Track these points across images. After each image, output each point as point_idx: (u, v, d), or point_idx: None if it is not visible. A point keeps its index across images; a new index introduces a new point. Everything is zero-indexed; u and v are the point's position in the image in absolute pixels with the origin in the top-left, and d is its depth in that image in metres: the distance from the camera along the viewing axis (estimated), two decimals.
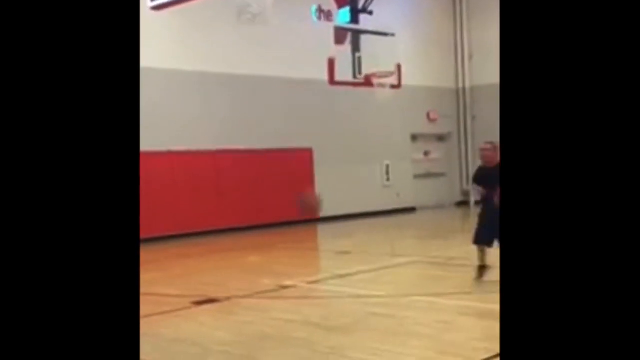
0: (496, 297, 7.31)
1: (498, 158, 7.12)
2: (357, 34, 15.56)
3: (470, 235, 7.44)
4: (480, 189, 7.37)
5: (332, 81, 14.82)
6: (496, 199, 6.84)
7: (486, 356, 4.66)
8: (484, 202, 7.44)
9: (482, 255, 7.29)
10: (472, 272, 7.47)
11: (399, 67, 15.59)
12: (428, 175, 19.63)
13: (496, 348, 4.83)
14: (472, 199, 7.18)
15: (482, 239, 7.25)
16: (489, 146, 7.33)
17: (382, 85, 16.08)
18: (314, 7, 16.57)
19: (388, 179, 18.31)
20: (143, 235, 4.11)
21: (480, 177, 7.42)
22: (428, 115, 19.42)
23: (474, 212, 19.07)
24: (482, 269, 7.29)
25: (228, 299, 7.16)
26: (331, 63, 14.77)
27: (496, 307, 6.57)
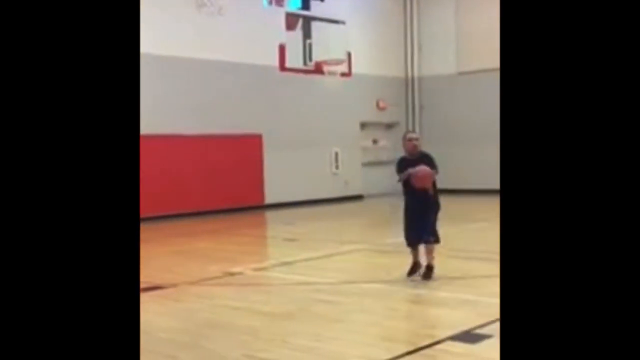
0: (441, 284, 7.47)
1: (420, 147, 7.04)
2: (308, 20, 15.53)
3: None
4: (404, 175, 6.82)
5: (282, 67, 14.78)
6: (425, 170, 6.72)
7: (429, 342, 4.74)
8: (406, 200, 7.04)
9: (415, 252, 7.03)
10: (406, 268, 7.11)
11: (349, 55, 15.66)
12: (376, 163, 19.79)
13: (439, 334, 4.92)
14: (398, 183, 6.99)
15: (411, 241, 6.99)
16: (415, 135, 7.23)
17: (332, 73, 16.12)
18: None
19: (337, 167, 18.39)
20: None
21: (404, 167, 6.90)
22: (377, 103, 19.55)
23: None
24: (415, 266, 7.02)
25: (174, 285, 7.09)
26: (282, 49, 14.73)
27: (442, 294, 6.71)
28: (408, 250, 7.01)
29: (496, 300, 6.15)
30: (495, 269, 8.06)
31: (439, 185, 7.12)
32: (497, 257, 8.63)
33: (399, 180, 6.95)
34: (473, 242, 8.49)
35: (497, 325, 5.09)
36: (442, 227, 7.41)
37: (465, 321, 5.32)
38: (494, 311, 5.56)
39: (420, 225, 6.83)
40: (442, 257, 8.28)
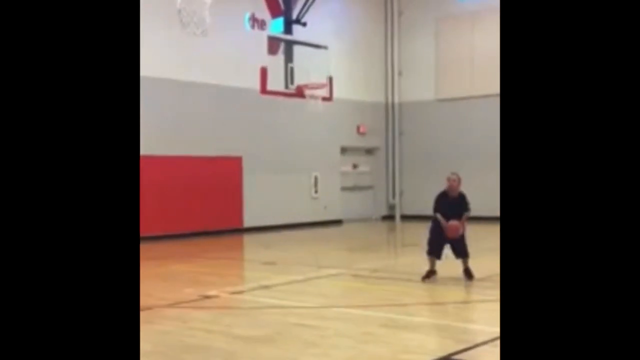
0: (418, 309, 7.45)
1: (460, 188, 8.35)
2: (290, 44, 15.61)
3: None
4: (440, 217, 8.16)
5: (263, 90, 14.80)
6: (460, 225, 8.12)
7: None
8: (433, 225, 8.35)
9: (432, 262, 8.34)
10: (422, 273, 8.36)
11: (330, 79, 15.73)
12: (355, 188, 19.82)
13: (417, 359, 4.90)
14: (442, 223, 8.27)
15: (433, 252, 8.31)
16: (455, 177, 8.39)
17: (313, 97, 16.17)
18: (247, 15, 16.54)
19: (316, 191, 18.38)
20: None
21: (442, 205, 8.27)
22: (358, 128, 19.64)
23: (400, 226, 19.40)
24: (431, 273, 8.32)
25: (149, 308, 6.99)
26: (263, 72, 14.75)
27: (418, 319, 6.69)
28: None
29: (473, 326, 6.15)
30: (471, 295, 8.10)
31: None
32: (473, 283, 8.68)
33: (435, 213, 8.28)
34: (448, 268, 8.50)
35: (474, 351, 5.08)
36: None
37: (442, 347, 5.30)
38: (471, 337, 5.56)
39: (457, 248, 8.23)
40: (417, 284, 8.29)
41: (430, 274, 8.34)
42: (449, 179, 8.44)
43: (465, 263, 8.32)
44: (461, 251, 8.30)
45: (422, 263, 8.29)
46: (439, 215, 8.22)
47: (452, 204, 8.25)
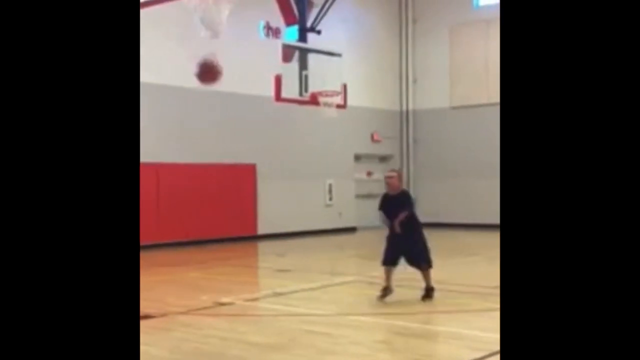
0: (432, 317, 7.41)
1: (401, 185, 7.75)
2: (304, 52, 15.65)
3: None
4: (384, 216, 7.59)
5: (278, 98, 14.83)
6: (396, 223, 7.34)
7: None
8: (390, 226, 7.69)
9: (388, 276, 7.52)
10: (379, 292, 7.61)
11: (344, 87, 15.76)
12: (370, 195, 19.79)
13: None
14: (381, 224, 7.82)
15: (387, 261, 7.54)
16: (394, 174, 7.76)
17: (327, 105, 16.19)
18: (262, 24, 16.62)
19: (330, 198, 18.38)
20: None
21: (384, 204, 7.67)
22: (372, 136, 19.64)
23: None
24: (386, 290, 7.51)
25: (164, 315, 7.02)
26: (278, 80, 14.79)
27: (434, 327, 6.66)
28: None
29: (487, 335, 6.12)
30: (485, 303, 8.06)
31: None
32: (487, 291, 8.65)
33: (383, 222, 7.65)
34: (463, 276, 8.46)
35: (490, 359, 5.05)
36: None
37: (457, 355, 5.28)
38: (486, 346, 5.52)
39: (414, 252, 7.42)
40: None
41: (385, 292, 7.49)
42: (386, 177, 7.77)
43: (425, 276, 7.51)
44: (415, 258, 7.44)
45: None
46: (381, 213, 7.58)
47: (393, 203, 7.51)
